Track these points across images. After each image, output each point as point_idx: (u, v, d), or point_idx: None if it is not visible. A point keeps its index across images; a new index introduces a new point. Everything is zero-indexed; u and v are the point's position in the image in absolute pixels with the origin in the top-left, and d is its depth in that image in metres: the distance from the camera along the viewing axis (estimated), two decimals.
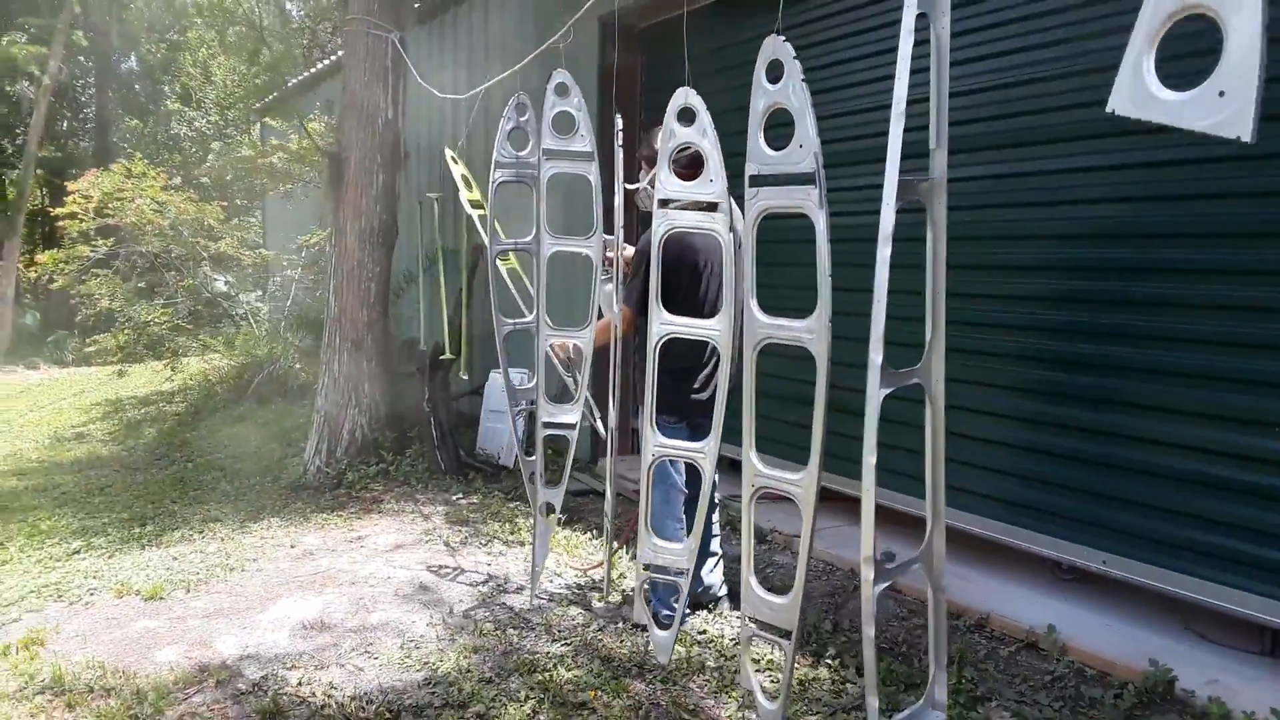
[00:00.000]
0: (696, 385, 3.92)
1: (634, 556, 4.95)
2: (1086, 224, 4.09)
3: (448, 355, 6.80)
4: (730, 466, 5.22)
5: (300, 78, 12.74)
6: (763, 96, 2.31)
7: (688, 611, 4.10)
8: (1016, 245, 4.34)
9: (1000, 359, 4.40)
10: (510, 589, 4.63)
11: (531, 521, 5.69)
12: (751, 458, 2.53)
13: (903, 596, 4.39)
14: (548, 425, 3.96)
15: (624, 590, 4.55)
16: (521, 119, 3.89)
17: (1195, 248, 3.72)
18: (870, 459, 2.02)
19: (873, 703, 2.23)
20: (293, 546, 5.33)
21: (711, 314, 3.77)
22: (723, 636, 4.08)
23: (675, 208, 3.58)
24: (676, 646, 3.95)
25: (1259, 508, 3.50)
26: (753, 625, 2.70)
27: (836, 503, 5.30)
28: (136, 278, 11.29)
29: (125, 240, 11.24)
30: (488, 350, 7.85)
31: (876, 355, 1.98)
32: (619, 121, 3.59)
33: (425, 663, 3.81)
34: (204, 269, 12.22)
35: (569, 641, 4.00)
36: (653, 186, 3.80)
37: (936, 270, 2.13)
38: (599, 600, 4.46)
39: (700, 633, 4.11)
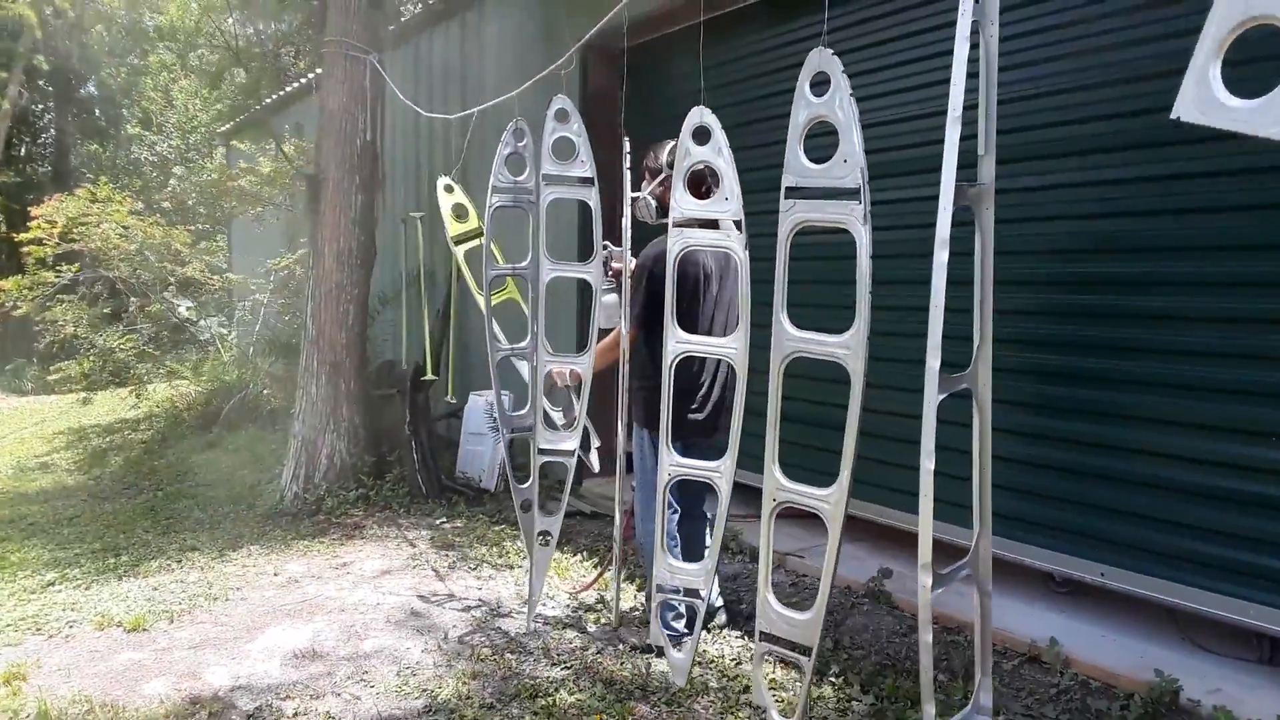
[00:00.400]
0: (694, 405, 3.88)
1: (628, 578, 4.93)
2: (1074, 239, 4.13)
3: (430, 376, 6.72)
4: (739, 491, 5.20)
5: (267, 101, 12.63)
6: (805, 109, 2.30)
7: (688, 632, 4.06)
8: (1010, 260, 4.36)
9: (995, 373, 4.41)
10: (503, 613, 4.56)
11: (519, 545, 5.66)
12: (775, 472, 2.50)
13: (900, 613, 4.38)
14: (544, 452, 3.91)
15: (619, 611, 4.50)
16: (520, 144, 3.86)
17: (1189, 260, 3.76)
18: (928, 464, 2.01)
19: (929, 710, 2.21)
20: (276, 574, 5.22)
21: (708, 332, 3.76)
22: (723, 657, 4.03)
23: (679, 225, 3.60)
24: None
25: (1257, 516, 3.53)
26: (766, 643, 2.66)
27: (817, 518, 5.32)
28: (102, 304, 11.07)
29: (90, 265, 11.03)
30: (463, 372, 7.80)
31: (934, 361, 1.97)
32: (626, 144, 3.57)
33: (424, 690, 3.73)
34: (166, 294, 12.05)
35: (569, 665, 3.94)
36: (654, 198, 3.81)
37: (984, 277, 2.13)
38: (593, 624, 4.40)
39: (701, 653, 4.06)
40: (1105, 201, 4.01)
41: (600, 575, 4.91)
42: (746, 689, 3.73)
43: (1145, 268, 3.91)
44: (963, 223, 4.34)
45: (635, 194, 3.76)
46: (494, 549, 5.60)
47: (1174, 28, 3.68)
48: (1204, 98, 1.32)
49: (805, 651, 2.61)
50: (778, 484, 2.50)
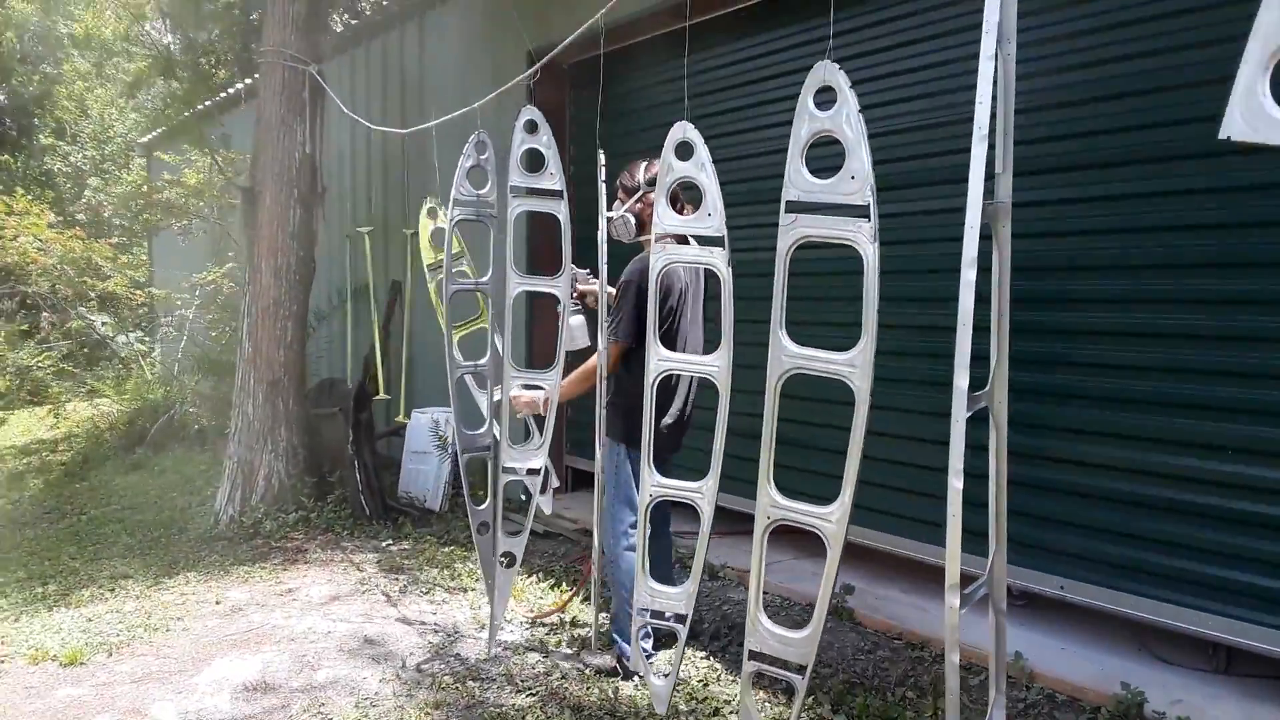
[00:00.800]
0: (669, 419, 3.86)
1: (586, 599, 4.85)
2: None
3: (382, 396, 6.53)
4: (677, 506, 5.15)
5: (189, 113, 12.25)
6: (808, 123, 2.27)
7: (654, 651, 4.00)
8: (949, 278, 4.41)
9: (940, 387, 4.43)
10: (461, 638, 4.44)
11: (471, 567, 5.53)
12: (769, 491, 2.46)
13: (864, 629, 4.38)
14: (508, 470, 3.81)
15: (582, 636, 4.42)
16: (482, 157, 3.78)
17: (1125, 279, 3.84)
18: (957, 483, 1.99)
19: None
20: (218, 602, 5.01)
21: (682, 350, 3.73)
22: (690, 678, 3.98)
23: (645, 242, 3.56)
24: (648, 693, 3.84)
25: (1213, 529, 3.61)
26: (755, 662, 2.62)
27: (786, 536, 5.30)
28: (19, 320, 10.61)
29: (5, 280, 10.56)
30: (408, 390, 7.63)
31: (962, 380, 1.96)
32: (601, 156, 3.52)
33: None
34: (83, 310, 11.59)
35: (534, 692, 3.85)
36: (633, 215, 3.77)
37: (1002, 295, 2.12)
38: (554, 647, 4.31)
39: (664, 675, 3.99)
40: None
41: (571, 597, 4.83)
42: (717, 711, 3.69)
43: (1080, 284, 3.98)
44: (951, 238, 4.39)
45: (610, 213, 3.71)
46: (445, 571, 5.47)
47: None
48: (1255, 114, 1.32)
49: (797, 670, 2.58)
50: (772, 501, 2.46)
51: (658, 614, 3.19)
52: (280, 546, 6.14)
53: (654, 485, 2.90)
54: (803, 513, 2.42)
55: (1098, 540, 3.96)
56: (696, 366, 2.81)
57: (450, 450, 7.19)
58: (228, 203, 9.85)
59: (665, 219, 2.70)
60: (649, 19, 5.58)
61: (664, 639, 4.10)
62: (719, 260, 2.65)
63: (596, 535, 3.81)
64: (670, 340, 3.62)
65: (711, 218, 2.62)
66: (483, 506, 4.20)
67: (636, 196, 3.74)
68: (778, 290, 2.39)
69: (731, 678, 3.99)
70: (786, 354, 2.40)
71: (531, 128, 3.49)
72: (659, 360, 2.81)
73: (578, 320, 3.99)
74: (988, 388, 2.19)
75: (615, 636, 4.01)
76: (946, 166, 4.34)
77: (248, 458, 6.80)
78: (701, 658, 4.17)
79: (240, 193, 7.01)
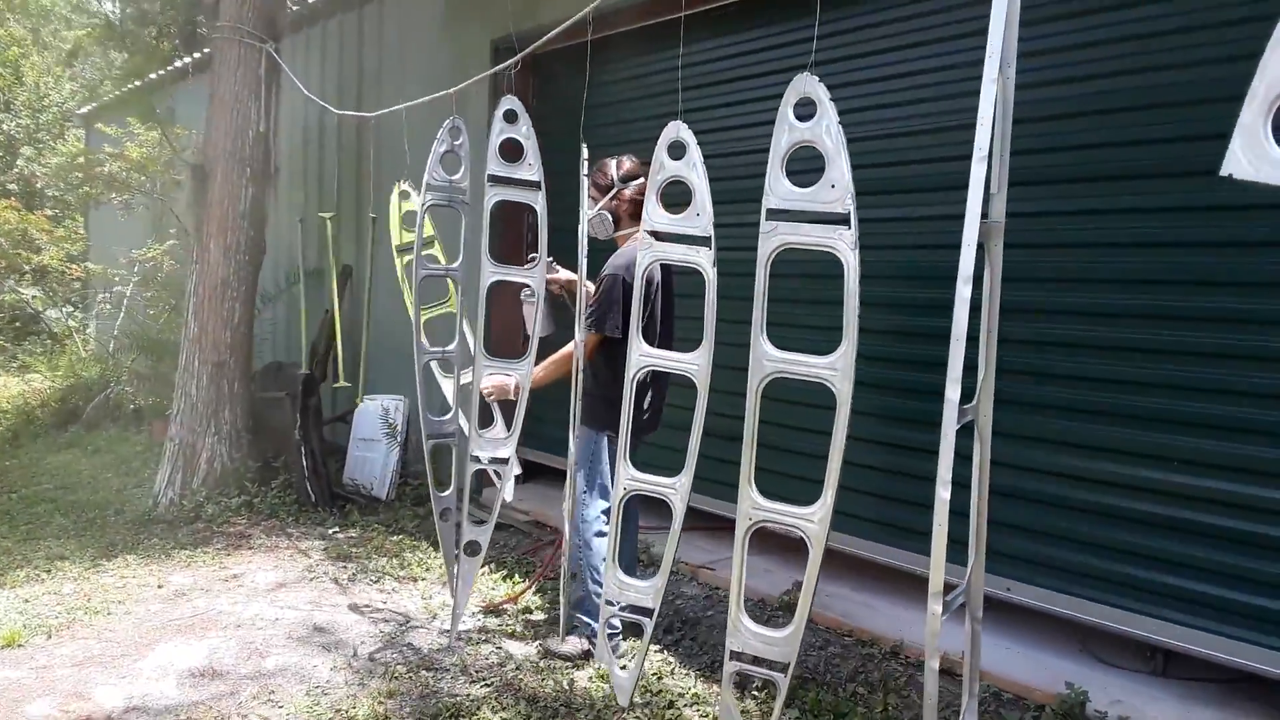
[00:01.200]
0: (644, 409, 3.94)
1: (539, 591, 4.85)
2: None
3: (342, 383, 6.41)
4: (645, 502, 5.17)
5: (137, 84, 11.95)
6: (787, 133, 2.32)
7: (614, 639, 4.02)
8: (926, 286, 4.49)
9: (892, 391, 4.51)
10: (413, 628, 4.41)
11: (421, 555, 5.50)
12: (751, 492, 2.50)
13: (814, 626, 4.44)
14: (477, 460, 3.80)
15: (533, 624, 4.43)
16: (455, 142, 3.76)
17: (1076, 291, 3.95)
18: (944, 494, 2.04)
19: None
20: (160, 586, 4.90)
21: (654, 345, 3.77)
22: (645, 673, 4.00)
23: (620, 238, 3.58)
24: (601, 684, 3.86)
25: (1155, 536, 3.73)
26: (736, 662, 2.65)
27: (727, 532, 5.35)
28: None
29: None
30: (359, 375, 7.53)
31: (954, 392, 2.00)
32: (585, 151, 3.52)
33: (338, 710, 3.57)
34: (9, 282, 11.23)
35: (489, 682, 3.84)
36: (609, 213, 3.78)
37: (991, 310, 2.18)
38: (507, 637, 4.30)
39: (621, 669, 4.01)
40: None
41: (527, 588, 4.83)
42: (671, 704, 3.72)
43: (1031, 295, 4.07)
44: (918, 246, 4.43)
45: (589, 211, 3.73)
46: (394, 560, 5.42)
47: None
48: (1257, 155, 1.38)
49: (779, 668, 2.62)
50: (754, 503, 2.50)
51: (642, 609, 3.21)
52: (223, 531, 6.03)
53: (629, 479, 2.91)
54: (784, 514, 2.46)
55: (1043, 544, 4.06)
56: (677, 364, 2.82)
57: (400, 438, 7.12)
58: (172, 179, 9.63)
59: (654, 216, 2.72)
60: (617, 14, 5.57)
61: (625, 631, 4.12)
62: (705, 260, 2.68)
63: (568, 526, 3.80)
64: (650, 334, 3.66)
65: (700, 217, 2.64)
66: (445, 494, 4.18)
67: (611, 194, 3.77)
68: (759, 295, 2.43)
69: (685, 671, 4.03)
70: (768, 358, 2.43)
71: (511, 117, 3.48)
72: (640, 356, 2.83)
73: (544, 309, 4.00)
74: (974, 401, 2.25)
75: (585, 619, 4.02)
76: (930, 174, 4.37)
77: (190, 440, 6.66)
78: (656, 651, 4.20)
79: (190, 169, 6.85)
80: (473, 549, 3.91)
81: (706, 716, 3.63)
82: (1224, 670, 3.62)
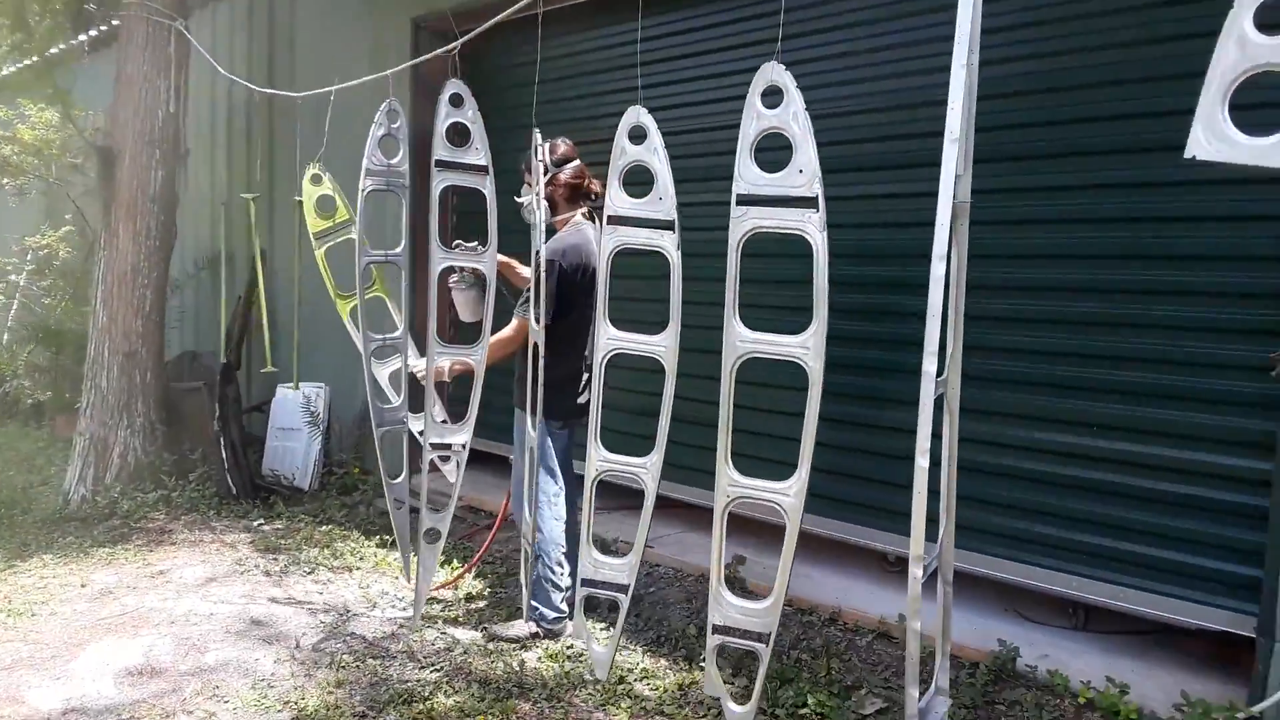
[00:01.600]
0: (579, 390, 3.98)
1: (478, 575, 4.85)
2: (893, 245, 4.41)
3: (270, 368, 6.23)
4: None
5: (26, 62, 11.34)
6: (755, 120, 2.38)
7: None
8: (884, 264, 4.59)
9: (835, 368, 4.61)
10: (354, 617, 4.36)
11: (353, 545, 5.43)
12: (728, 471, 2.57)
13: (755, 596, 4.54)
14: (436, 447, 3.78)
15: (474, 609, 4.44)
16: (393, 126, 3.71)
17: (999, 267, 4.11)
18: (923, 462, 2.12)
19: (913, 692, 2.34)
20: (84, 586, 4.74)
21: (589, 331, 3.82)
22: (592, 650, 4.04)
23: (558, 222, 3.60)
24: (551, 664, 3.90)
25: (1072, 498, 3.93)
26: (719, 636, 2.73)
27: (673, 510, 5.43)
28: None
29: None
30: (281, 362, 7.35)
31: (930, 365, 2.09)
32: (538, 135, 3.50)
33: (287, 701, 3.52)
34: None
35: (439, 667, 3.83)
36: (544, 198, 3.78)
37: (958, 289, 2.27)
38: (450, 623, 4.30)
39: (569, 648, 4.06)
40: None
41: (464, 571, 4.83)
42: (622, 679, 3.77)
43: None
44: (867, 224, 4.51)
45: (520, 198, 3.75)
46: (326, 551, 5.34)
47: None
48: (1217, 137, 1.48)
49: (761, 639, 2.70)
50: (731, 480, 2.57)
51: (618, 586, 3.23)
52: (141, 527, 5.84)
53: (600, 460, 2.95)
54: (761, 489, 2.54)
55: (968, 508, 4.21)
56: (644, 346, 2.86)
57: (322, 426, 6.99)
58: (69, 162, 9.21)
59: (616, 200, 2.74)
60: None
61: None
62: (669, 244, 2.72)
63: (527, 509, 3.82)
64: (589, 322, 3.70)
65: (663, 201, 2.68)
66: (397, 481, 4.15)
67: (548, 179, 3.78)
68: (730, 279, 2.49)
69: (632, 646, 4.09)
70: (741, 339, 2.50)
71: (457, 101, 3.45)
72: (607, 339, 2.86)
73: (473, 294, 4.01)
74: (943, 375, 2.35)
75: (534, 604, 4.05)
76: (892, 152, 4.45)
77: (101, 434, 6.43)
78: (602, 629, 4.24)
79: (96, 151, 6.57)
80: (432, 536, 3.89)
81: (656, 689, 3.70)
82: (1141, 622, 3.86)
